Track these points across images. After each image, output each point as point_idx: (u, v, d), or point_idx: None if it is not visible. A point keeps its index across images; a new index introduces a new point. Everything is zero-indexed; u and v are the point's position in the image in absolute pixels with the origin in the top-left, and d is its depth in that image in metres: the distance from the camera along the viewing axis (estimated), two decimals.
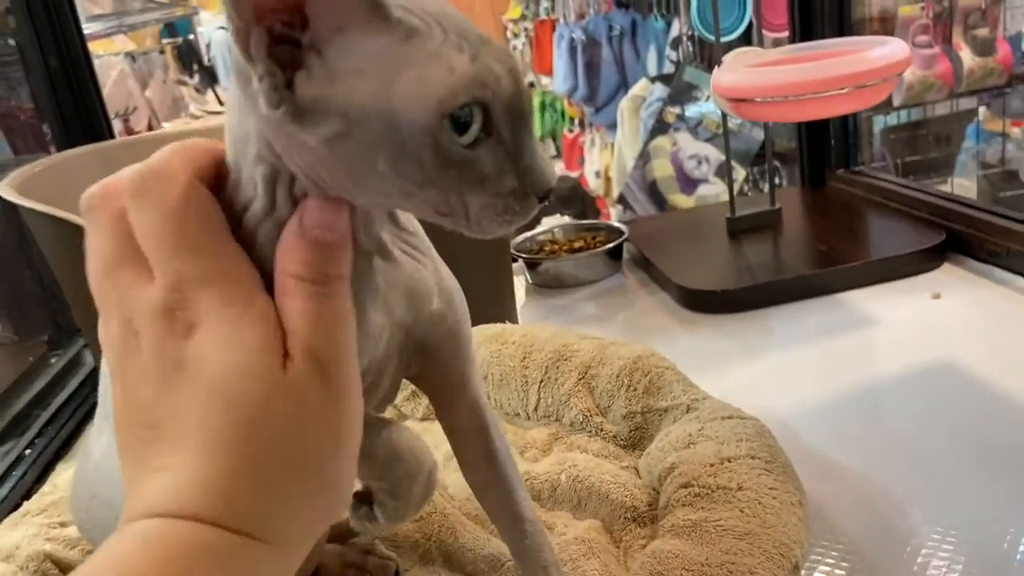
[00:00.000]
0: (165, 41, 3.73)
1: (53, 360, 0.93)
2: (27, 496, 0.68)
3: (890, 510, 0.52)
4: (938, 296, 0.80)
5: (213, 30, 4.97)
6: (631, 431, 0.57)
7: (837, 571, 0.47)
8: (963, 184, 2.26)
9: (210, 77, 4.29)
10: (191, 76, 3.83)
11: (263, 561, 0.27)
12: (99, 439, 0.41)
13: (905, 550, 0.48)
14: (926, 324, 0.77)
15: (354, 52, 0.26)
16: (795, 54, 0.86)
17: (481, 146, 0.27)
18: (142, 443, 0.28)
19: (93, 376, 0.88)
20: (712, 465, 0.46)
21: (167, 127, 2.94)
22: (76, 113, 0.93)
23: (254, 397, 0.27)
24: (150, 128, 2.77)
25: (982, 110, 2.24)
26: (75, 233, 0.65)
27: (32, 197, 0.70)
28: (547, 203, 0.29)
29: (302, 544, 0.29)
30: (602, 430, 0.58)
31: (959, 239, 0.86)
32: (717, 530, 0.42)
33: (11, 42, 1.36)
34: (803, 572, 0.46)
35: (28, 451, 0.73)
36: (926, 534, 0.49)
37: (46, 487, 0.61)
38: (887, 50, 0.75)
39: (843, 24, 1.05)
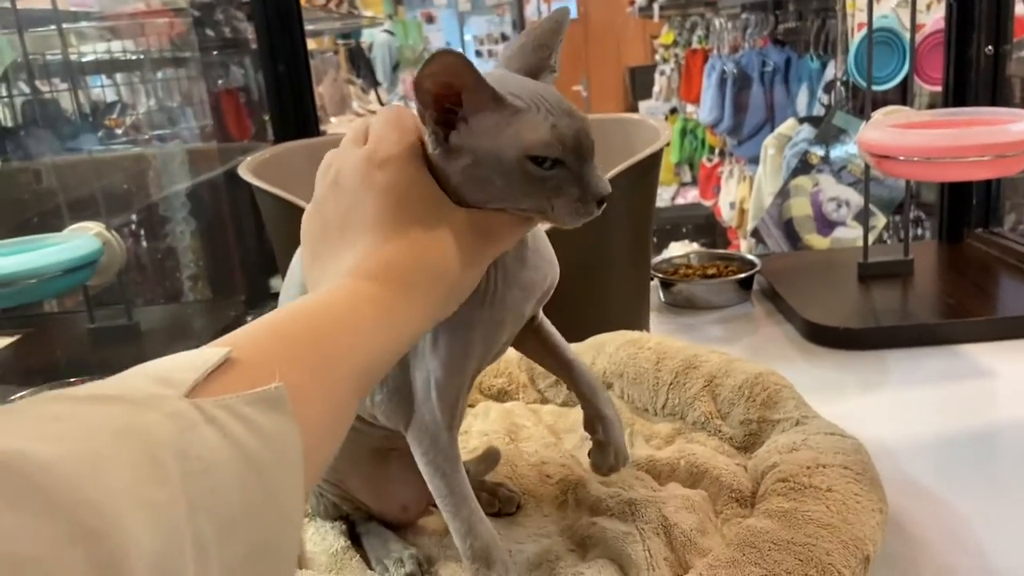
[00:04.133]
0: (340, 42, 4.03)
1: (249, 318, 1.10)
2: None
3: (985, 541, 0.59)
4: None
5: (377, 32, 5.30)
6: (745, 436, 0.66)
7: None
8: None
9: (372, 77, 4.58)
10: (358, 76, 4.12)
11: (400, 310, 0.40)
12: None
13: (986, 568, 0.55)
14: None
15: (484, 121, 0.44)
16: (942, 119, 0.92)
17: (556, 170, 0.43)
18: (333, 240, 0.42)
19: None
20: (809, 468, 0.55)
21: (334, 120, 3.19)
22: (294, 111, 1.10)
23: (419, 202, 0.42)
24: (320, 121, 3.02)
25: None
26: (291, 209, 0.80)
27: (261, 178, 0.86)
28: (604, 205, 0.44)
29: (427, 307, 0.42)
30: (720, 431, 0.67)
31: None
32: (804, 518, 0.50)
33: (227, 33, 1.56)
34: None
35: None
36: (1014, 563, 0.55)
37: None
38: None
39: (996, 90, 1.08)
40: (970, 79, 1.10)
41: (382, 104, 4.11)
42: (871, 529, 0.50)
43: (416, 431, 0.51)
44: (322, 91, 3.23)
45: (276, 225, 0.89)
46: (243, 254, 1.21)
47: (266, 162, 0.95)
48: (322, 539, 0.57)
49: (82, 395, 0.26)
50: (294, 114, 1.10)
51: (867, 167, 1.08)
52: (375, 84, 4.40)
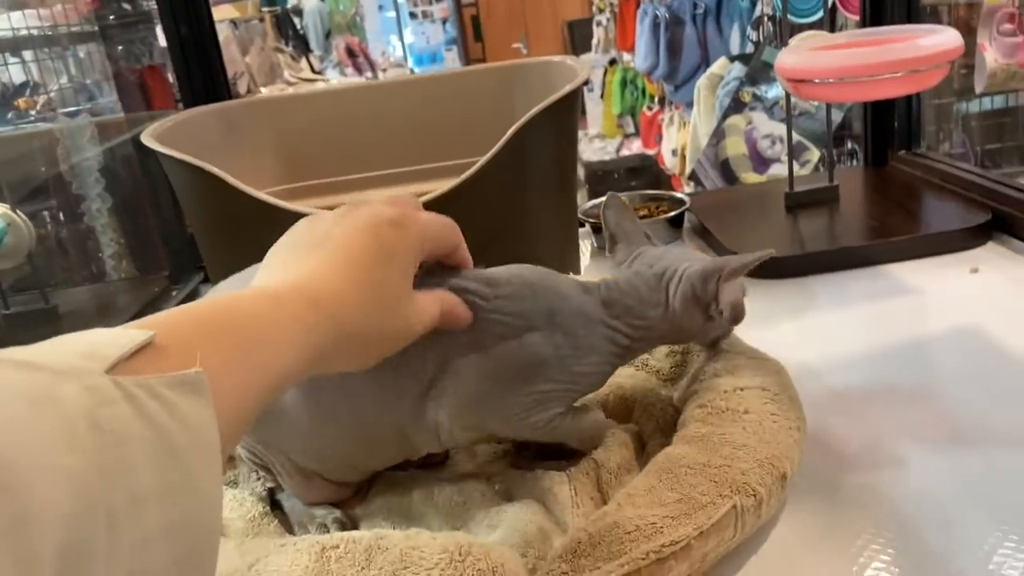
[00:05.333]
0: (265, 10, 3.91)
1: (174, 293, 1.06)
2: None
3: (909, 453, 0.59)
4: (976, 271, 0.86)
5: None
6: (672, 367, 0.66)
7: (843, 494, 0.55)
8: None
9: (304, 45, 4.46)
10: (287, 44, 4.01)
11: (335, 343, 0.40)
12: None
13: (914, 487, 0.56)
14: (961, 296, 0.83)
15: None
16: (856, 39, 0.91)
17: None
18: (299, 252, 0.43)
19: None
20: (726, 392, 0.54)
21: (264, 91, 3.11)
22: (201, 75, 1.06)
23: (395, 275, 0.44)
24: (249, 92, 2.94)
25: None
26: (203, 177, 0.77)
27: (167, 144, 0.83)
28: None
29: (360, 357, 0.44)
30: (647, 364, 0.67)
31: (1004, 219, 0.91)
32: (720, 441, 0.50)
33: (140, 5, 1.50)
34: (823, 507, 0.54)
35: None
36: (945, 479, 0.56)
37: None
38: (939, 39, 0.80)
39: (911, 10, 1.09)
40: (885, 3, 1.10)
41: (315, 72, 4.01)
42: (787, 447, 0.50)
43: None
44: (249, 61, 3.13)
45: (186, 193, 0.86)
46: (163, 227, 1.17)
47: (172, 129, 0.91)
48: (239, 504, 0.55)
49: (7, 359, 0.27)
50: (202, 79, 1.06)
51: (788, 98, 1.07)
52: (307, 52, 4.29)
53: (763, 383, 0.56)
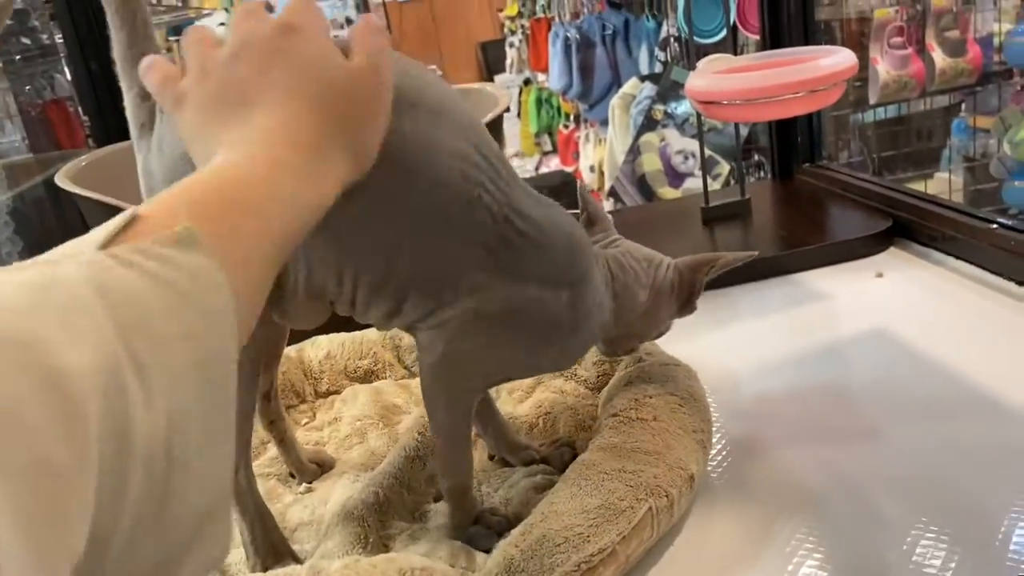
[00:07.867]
0: (172, 39, 3.82)
1: None
2: None
3: (832, 454, 0.63)
4: (881, 275, 0.91)
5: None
6: (598, 376, 0.69)
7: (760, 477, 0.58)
8: (943, 178, 2.35)
9: None
10: None
11: (317, 174, 0.40)
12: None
13: (839, 485, 0.59)
14: (869, 299, 0.88)
15: None
16: (759, 61, 0.96)
17: None
18: (231, 108, 0.41)
19: None
20: (637, 400, 0.58)
21: None
22: (114, 112, 1.03)
23: (331, 72, 0.42)
24: None
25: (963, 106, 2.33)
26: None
27: (81, 185, 0.81)
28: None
29: (338, 174, 0.42)
30: (576, 375, 0.70)
31: (904, 225, 0.97)
32: (632, 448, 0.54)
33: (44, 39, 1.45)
34: (754, 508, 0.57)
35: None
36: (860, 468, 0.59)
37: None
38: (836, 59, 0.85)
39: (808, 29, 1.15)
40: (783, 23, 1.16)
41: None
42: (692, 451, 0.55)
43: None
44: None
45: None
46: None
47: (85, 169, 0.89)
48: None
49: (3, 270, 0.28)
50: (115, 115, 1.04)
51: (699, 117, 1.12)
52: None
53: (672, 389, 0.59)
